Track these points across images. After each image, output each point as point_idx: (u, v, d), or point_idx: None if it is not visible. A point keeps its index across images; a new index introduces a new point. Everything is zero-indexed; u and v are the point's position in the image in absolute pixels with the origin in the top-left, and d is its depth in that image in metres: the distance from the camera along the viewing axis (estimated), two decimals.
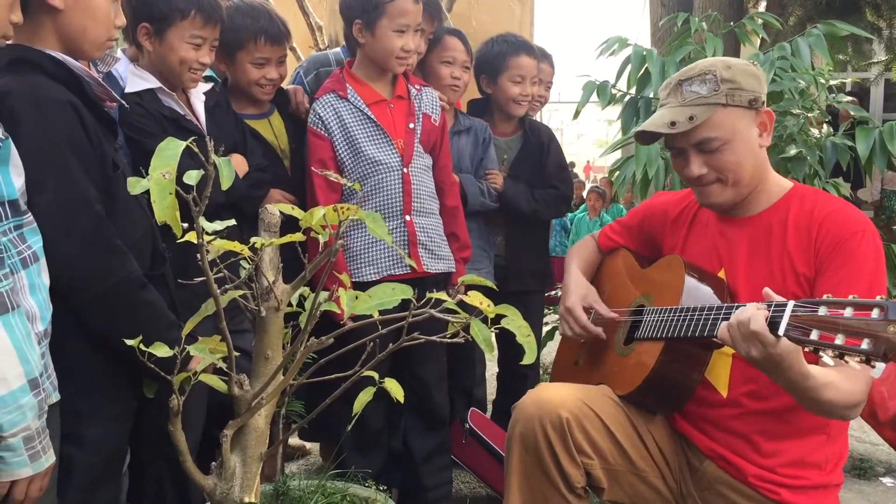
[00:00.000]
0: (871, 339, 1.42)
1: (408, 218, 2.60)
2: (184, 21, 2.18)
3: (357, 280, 2.51)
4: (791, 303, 1.58)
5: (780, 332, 1.57)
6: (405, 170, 2.60)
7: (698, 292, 1.96)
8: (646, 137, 2.04)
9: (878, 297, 1.47)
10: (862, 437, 3.81)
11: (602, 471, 1.95)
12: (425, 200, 2.65)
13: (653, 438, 2.02)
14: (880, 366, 1.53)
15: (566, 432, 1.90)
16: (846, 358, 1.47)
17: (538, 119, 3.35)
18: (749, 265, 1.97)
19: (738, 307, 1.71)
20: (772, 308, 1.62)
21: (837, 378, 1.69)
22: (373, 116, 2.61)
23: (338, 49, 3.20)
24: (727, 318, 1.73)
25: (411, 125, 2.66)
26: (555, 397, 1.96)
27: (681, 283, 1.98)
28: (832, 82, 3.51)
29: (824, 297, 1.55)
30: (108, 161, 1.74)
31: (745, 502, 1.93)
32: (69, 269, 1.63)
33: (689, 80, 1.93)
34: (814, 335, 1.52)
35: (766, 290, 1.65)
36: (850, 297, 1.50)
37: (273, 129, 2.72)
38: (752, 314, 1.62)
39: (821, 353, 1.51)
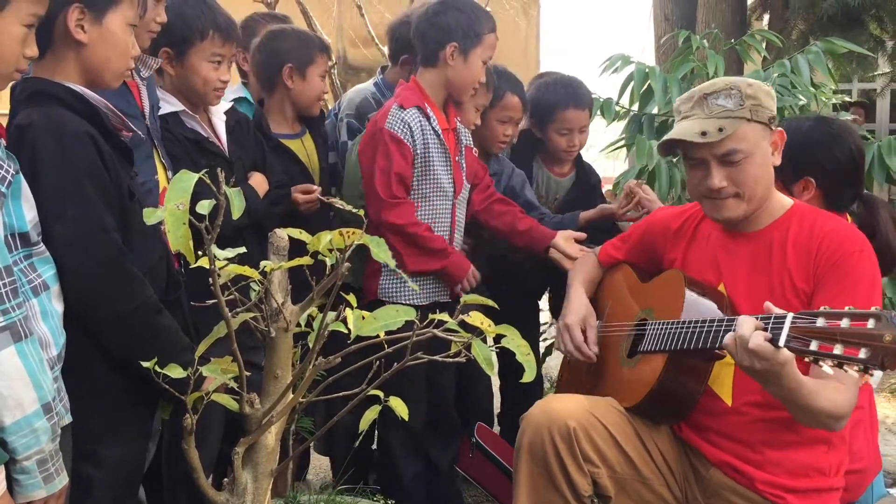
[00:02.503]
0: (869, 349, 1.48)
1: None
2: (203, 42, 2.26)
3: (407, 304, 2.52)
4: (790, 315, 1.64)
5: (781, 343, 1.62)
6: (455, 200, 2.64)
7: (699, 306, 2.01)
8: (670, 147, 2.06)
9: (873, 308, 1.53)
10: None
11: (609, 479, 2.00)
12: (460, 232, 2.71)
13: (657, 448, 2.07)
14: (878, 374, 1.58)
15: (573, 441, 1.95)
16: (845, 367, 1.53)
17: None
18: (750, 280, 2.02)
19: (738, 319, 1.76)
20: (772, 320, 1.67)
21: (826, 388, 1.75)
22: (444, 142, 2.61)
23: (369, 83, 3.17)
24: (728, 330, 1.78)
25: (457, 158, 2.68)
26: (562, 407, 2.02)
27: (681, 297, 2.03)
28: (833, 101, 3.54)
29: (822, 308, 1.60)
30: (125, 189, 1.79)
31: None
32: (87, 295, 1.68)
33: (715, 93, 1.97)
34: (813, 346, 1.57)
35: (767, 303, 1.70)
36: (847, 308, 1.56)
37: (305, 149, 2.81)
38: (752, 331, 1.67)
39: (820, 363, 1.57)
